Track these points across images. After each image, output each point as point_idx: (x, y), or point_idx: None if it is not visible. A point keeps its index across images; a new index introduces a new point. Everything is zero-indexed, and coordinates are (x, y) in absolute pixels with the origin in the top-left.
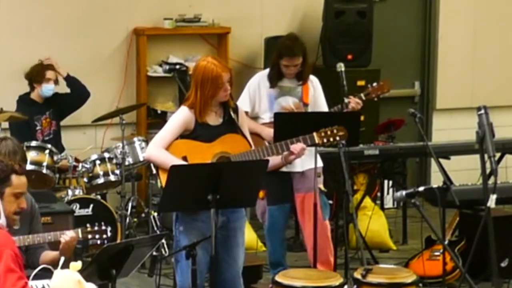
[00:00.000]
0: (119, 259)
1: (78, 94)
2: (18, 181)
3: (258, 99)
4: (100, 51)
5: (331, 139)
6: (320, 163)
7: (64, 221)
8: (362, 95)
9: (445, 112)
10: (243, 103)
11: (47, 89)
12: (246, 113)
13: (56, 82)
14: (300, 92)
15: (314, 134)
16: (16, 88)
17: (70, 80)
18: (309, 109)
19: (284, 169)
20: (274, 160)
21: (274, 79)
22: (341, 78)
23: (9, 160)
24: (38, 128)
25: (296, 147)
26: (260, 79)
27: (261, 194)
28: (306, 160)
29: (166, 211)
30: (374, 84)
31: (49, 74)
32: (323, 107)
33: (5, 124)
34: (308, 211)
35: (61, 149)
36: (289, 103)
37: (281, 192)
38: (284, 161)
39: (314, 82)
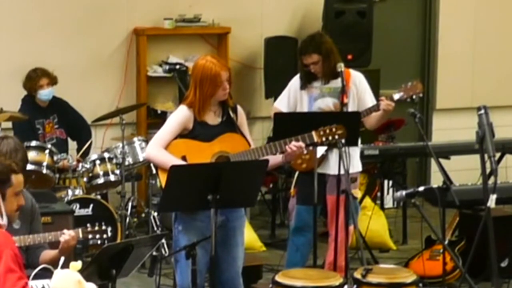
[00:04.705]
0: (119, 259)
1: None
2: (17, 180)
3: (299, 101)
4: (100, 51)
5: (330, 138)
6: (359, 168)
7: (64, 221)
8: (393, 96)
9: (445, 112)
10: (281, 103)
11: (44, 94)
12: None
13: (53, 84)
14: (340, 92)
15: (313, 132)
16: (16, 88)
17: None
18: (350, 109)
19: (319, 170)
20: (275, 159)
21: (303, 81)
22: (341, 78)
23: (9, 158)
24: (40, 132)
25: (292, 146)
26: None
27: (292, 192)
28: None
29: (166, 211)
30: (408, 84)
31: (43, 80)
32: (368, 104)
33: (6, 124)
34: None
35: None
36: (328, 104)
37: (312, 193)
38: (285, 159)
39: (357, 80)
